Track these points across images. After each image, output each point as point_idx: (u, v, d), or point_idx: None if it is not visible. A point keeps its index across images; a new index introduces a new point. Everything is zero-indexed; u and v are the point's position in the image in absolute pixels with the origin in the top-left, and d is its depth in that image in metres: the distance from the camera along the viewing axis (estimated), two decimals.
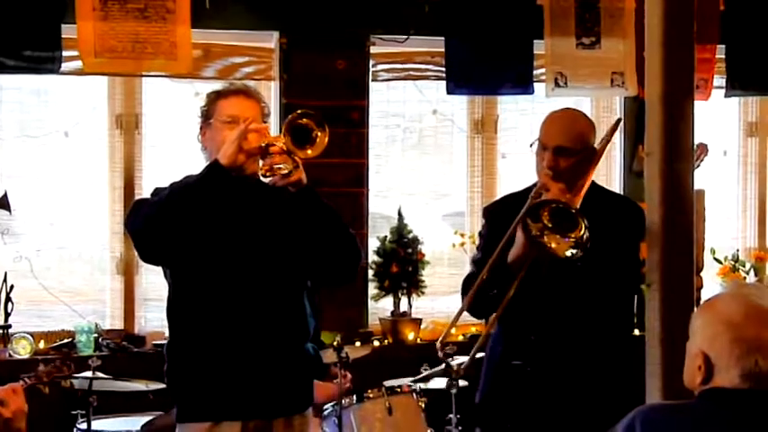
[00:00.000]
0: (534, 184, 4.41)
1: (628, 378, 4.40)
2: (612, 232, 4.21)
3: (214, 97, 4.28)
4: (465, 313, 4.41)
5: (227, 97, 4.24)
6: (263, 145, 3.99)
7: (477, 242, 4.74)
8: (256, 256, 4.12)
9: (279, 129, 7.05)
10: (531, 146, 4.47)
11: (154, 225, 3.99)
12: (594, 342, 4.37)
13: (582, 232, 3.98)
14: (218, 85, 4.48)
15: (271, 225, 4.15)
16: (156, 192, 4.19)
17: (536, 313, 4.31)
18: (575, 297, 4.27)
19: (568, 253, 4.00)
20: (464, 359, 4.55)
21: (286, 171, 3.97)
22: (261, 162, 4.02)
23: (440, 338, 4.41)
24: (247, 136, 3.97)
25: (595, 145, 4.45)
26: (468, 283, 4.41)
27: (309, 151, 3.94)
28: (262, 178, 4.05)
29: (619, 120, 4.72)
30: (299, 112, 3.98)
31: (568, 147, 4.30)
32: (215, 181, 3.97)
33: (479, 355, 4.33)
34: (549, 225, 4.03)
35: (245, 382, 4.09)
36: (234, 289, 4.11)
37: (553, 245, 4.02)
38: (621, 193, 7.77)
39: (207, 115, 4.25)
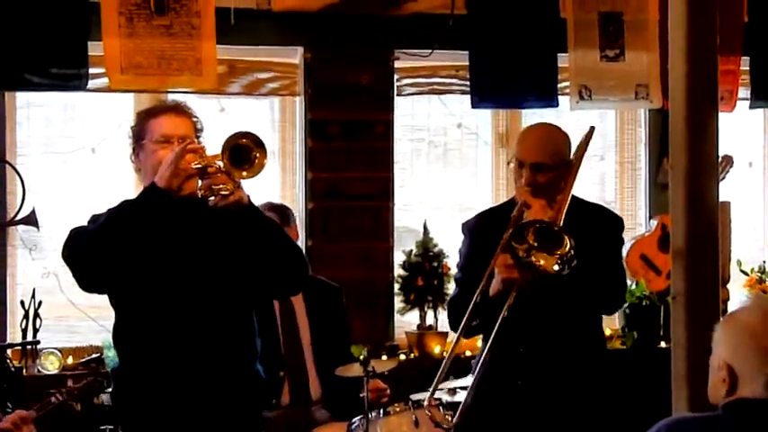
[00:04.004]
0: (512, 199, 4.43)
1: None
2: (595, 243, 4.22)
3: (144, 116, 4.19)
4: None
5: (157, 116, 4.14)
6: (200, 166, 3.92)
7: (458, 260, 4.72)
8: (199, 276, 4.04)
9: (303, 142, 7.12)
10: (508, 164, 4.50)
11: (91, 254, 3.92)
12: (582, 353, 4.39)
13: (567, 249, 4.00)
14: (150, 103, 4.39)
15: (212, 244, 4.07)
16: (94, 219, 4.11)
17: (524, 326, 4.30)
18: (562, 309, 4.28)
19: (556, 267, 4.02)
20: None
21: (226, 192, 3.90)
22: (199, 182, 3.94)
23: (430, 390, 4.40)
24: (184, 157, 3.90)
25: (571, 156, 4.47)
26: (453, 305, 4.43)
27: (245, 172, 3.87)
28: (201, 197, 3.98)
29: (592, 128, 4.69)
30: (238, 131, 3.91)
31: (546, 162, 4.33)
32: (153, 204, 3.90)
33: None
34: (535, 244, 4.05)
35: (194, 407, 4.02)
36: (178, 312, 4.03)
37: (542, 262, 4.04)
38: (647, 206, 7.78)
39: (139, 136, 4.16)
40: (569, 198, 4.31)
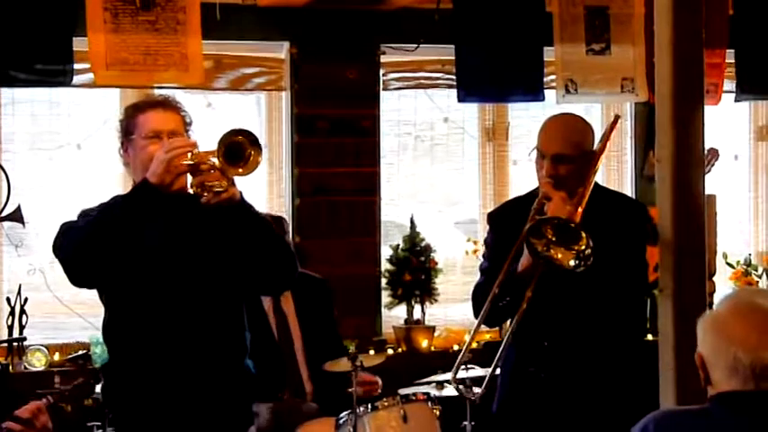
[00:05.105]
0: (537, 189, 4.40)
1: (641, 381, 4.40)
2: (618, 233, 4.21)
3: (132, 112, 4.17)
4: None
5: (146, 111, 4.12)
6: (193, 162, 3.90)
7: (483, 250, 4.72)
8: (190, 272, 4.03)
9: (290, 137, 7.11)
10: (529, 155, 4.47)
11: (83, 249, 3.90)
12: (607, 345, 4.36)
13: (583, 246, 3.99)
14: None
15: (203, 240, 4.06)
16: (84, 213, 4.10)
17: (548, 319, 4.30)
18: (585, 300, 4.26)
19: (572, 263, 4.01)
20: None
21: (219, 189, 3.88)
22: (191, 178, 3.93)
23: (453, 369, 4.40)
24: (177, 153, 3.88)
25: (595, 146, 4.44)
26: (477, 293, 4.40)
27: (240, 170, 3.85)
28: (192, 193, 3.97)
29: (617, 117, 4.65)
30: (233, 129, 3.87)
31: (567, 154, 4.27)
32: (145, 200, 3.89)
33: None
34: (554, 239, 4.04)
35: (184, 403, 4.02)
36: (168, 308, 4.02)
37: (559, 255, 4.03)
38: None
39: (128, 131, 4.13)
40: (590, 189, 4.28)
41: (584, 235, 4.00)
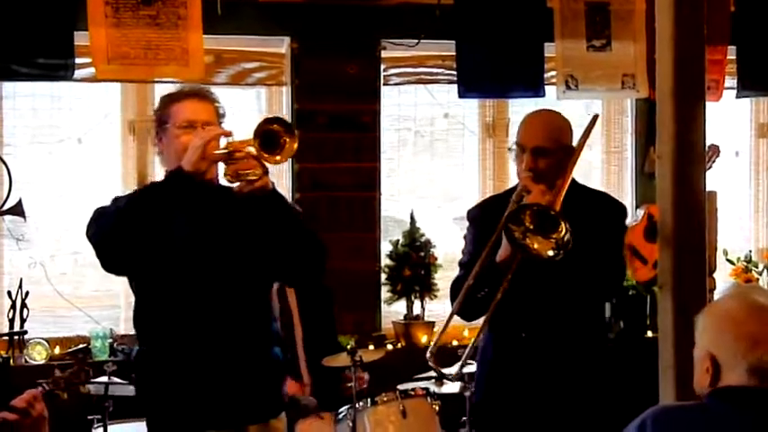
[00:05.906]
0: (516, 186, 4.45)
1: (618, 378, 4.44)
2: (594, 229, 4.23)
3: (167, 101, 4.22)
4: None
5: (181, 101, 4.17)
6: (227, 151, 3.95)
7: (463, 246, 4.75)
8: (220, 261, 4.07)
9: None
10: (509, 149, 4.52)
11: (113, 235, 3.93)
12: (582, 338, 4.40)
13: (563, 234, 4.02)
14: (171, 88, 4.46)
15: (234, 230, 4.10)
16: (117, 200, 4.13)
17: (524, 310, 4.33)
18: (561, 293, 4.30)
19: (550, 252, 4.04)
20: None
21: (254, 177, 3.94)
22: (225, 167, 3.98)
23: (430, 348, 4.42)
24: (212, 141, 3.92)
25: (574, 143, 4.48)
26: (456, 287, 4.43)
27: (278, 157, 3.92)
28: (227, 183, 4.01)
29: (596, 116, 4.71)
30: (268, 117, 3.97)
31: (546, 147, 4.34)
32: (179, 188, 3.92)
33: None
34: (531, 227, 4.07)
35: (215, 391, 4.04)
36: (199, 296, 4.06)
37: (536, 245, 4.06)
38: (634, 195, 7.80)
39: (162, 120, 4.18)
40: (569, 183, 4.31)
41: (562, 222, 4.03)
